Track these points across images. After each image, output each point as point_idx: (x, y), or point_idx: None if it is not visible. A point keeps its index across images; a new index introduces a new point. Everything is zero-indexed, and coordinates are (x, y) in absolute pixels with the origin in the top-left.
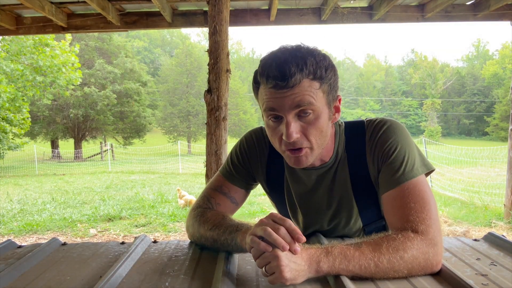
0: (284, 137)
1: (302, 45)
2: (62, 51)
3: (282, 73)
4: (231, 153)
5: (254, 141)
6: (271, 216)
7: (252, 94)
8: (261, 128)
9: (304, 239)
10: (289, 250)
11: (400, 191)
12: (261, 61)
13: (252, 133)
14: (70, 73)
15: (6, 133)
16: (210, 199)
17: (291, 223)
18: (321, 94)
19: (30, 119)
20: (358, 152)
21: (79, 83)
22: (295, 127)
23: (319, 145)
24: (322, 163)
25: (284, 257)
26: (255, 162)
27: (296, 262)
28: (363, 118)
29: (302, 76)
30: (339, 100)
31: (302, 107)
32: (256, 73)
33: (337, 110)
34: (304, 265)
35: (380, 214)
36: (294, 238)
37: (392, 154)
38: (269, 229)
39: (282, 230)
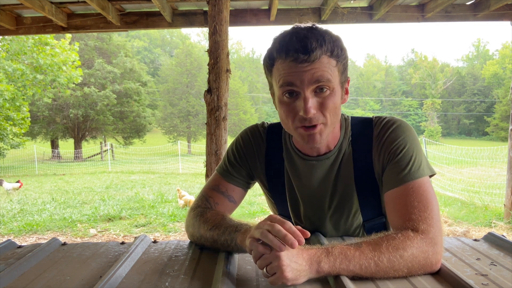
0: (301, 113)
1: (316, 25)
2: (62, 50)
3: (304, 47)
4: (227, 151)
5: (250, 138)
6: (269, 218)
7: (252, 94)
8: (256, 125)
9: (303, 241)
10: (286, 244)
11: (405, 189)
12: (275, 38)
13: (248, 130)
14: (70, 71)
15: (7, 132)
16: (209, 198)
17: (291, 225)
18: (337, 72)
19: (29, 119)
20: (364, 148)
21: (79, 82)
22: (312, 103)
23: (332, 123)
24: (327, 151)
25: (285, 257)
26: (252, 159)
27: (297, 262)
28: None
29: (322, 52)
30: (348, 82)
31: (321, 83)
32: (270, 49)
33: (346, 91)
34: (305, 265)
35: (380, 211)
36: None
37: (400, 153)
38: (265, 231)
39: (276, 226)
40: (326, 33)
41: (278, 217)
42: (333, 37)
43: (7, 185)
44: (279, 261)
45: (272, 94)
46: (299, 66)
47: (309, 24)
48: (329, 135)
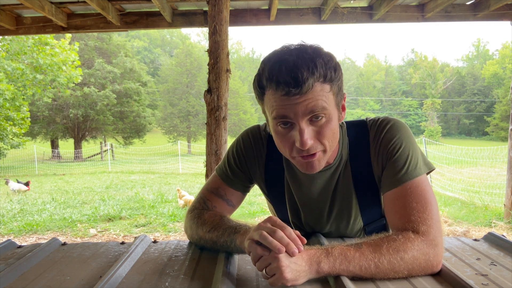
0: (297, 145)
1: (306, 44)
2: (62, 50)
3: (295, 79)
4: (227, 153)
5: (251, 141)
6: (269, 220)
7: (252, 94)
8: (258, 127)
9: (302, 248)
10: (287, 252)
11: (403, 190)
12: (264, 63)
13: (249, 132)
14: (70, 71)
15: (7, 132)
16: (207, 201)
17: (291, 231)
18: (332, 96)
19: (29, 119)
20: (362, 152)
21: (79, 81)
22: (308, 134)
23: (331, 147)
24: (326, 165)
25: (284, 258)
26: (252, 163)
27: (297, 263)
28: (363, 118)
29: (314, 80)
30: (344, 98)
31: (316, 113)
32: (259, 76)
33: (343, 109)
34: (305, 266)
35: (381, 213)
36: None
37: (396, 152)
38: (265, 233)
39: (278, 233)
40: (317, 56)
41: (279, 220)
42: (325, 58)
43: (13, 184)
44: (278, 262)
45: (266, 118)
46: (292, 99)
47: (297, 45)
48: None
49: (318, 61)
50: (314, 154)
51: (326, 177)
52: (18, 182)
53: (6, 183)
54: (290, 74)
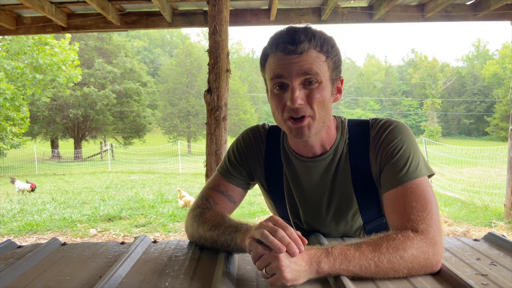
0: (288, 103)
1: (311, 25)
2: (62, 50)
3: (292, 38)
4: (228, 151)
5: (251, 139)
6: (270, 219)
7: (253, 94)
8: (257, 126)
9: (303, 248)
10: (288, 252)
11: (403, 190)
12: (270, 37)
13: (249, 130)
14: (69, 71)
15: (6, 132)
16: (208, 198)
17: (293, 231)
18: (326, 67)
19: (29, 119)
20: (361, 150)
21: (79, 81)
22: (300, 94)
23: (321, 117)
24: (323, 152)
25: (285, 257)
26: (252, 160)
27: (297, 263)
28: (363, 118)
29: (310, 45)
30: (341, 81)
31: (308, 75)
32: (264, 48)
33: (339, 91)
34: (305, 266)
35: (380, 212)
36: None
37: (397, 153)
38: (266, 232)
39: (280, 232)
40: (317, 31)
41: (281, 220)
42: (325, 35)
43: (19, 184)
44: (278, 262)
45: (266, 90)
46: (288, 58)
47: (304, 25)
48: (320, 132)
49: (317, 33)
50: (303, 119)
51: (322, 167)
52: (27, 182)
53: (12, 182)
54: (289, 35)
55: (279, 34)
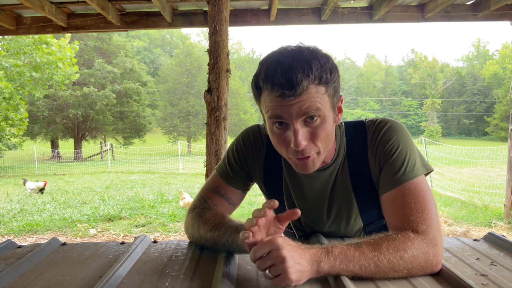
0: (292, 146)
1: (303, 46)
2: (59, 48)
3: (289, 81)
4: (227, 152)
5: (251, 140)
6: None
7: (252, 94)
8: (258, 126)
9: (276, 203)
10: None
11: (401, 191)
12: (261, 64)
13: (249, 131)
14: (65, 68)
15: (5, 133)
16: (207, 200)
17: (257, 214)
18: (327, 98)
19: (27, 119)
20: (360, 153)
21: (77, 80)
22: (303, 134)
23: (325, 149)
24: (324, 165)
25: (290, 259)
26: (252, 162)
27: (301, 263)
28: (363, 118)
29: (309, 82)
30: (341, 100)
31: (310, 114)
32: (256, 77)
33: (340, 110)
34: (307, 266)
35: (380, 214)
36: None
37: (394, 154)
38: (248, 220)
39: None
40: (313, 58)
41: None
42: (321, 61)
43: (30, 184)
44: (284, 263)
45: (263, 118)
46: (286, 100)
47: (294, 47)
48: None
49: (313, 63)
50: (308, 156)
51: (324, 177)
52: (37, 182)
53: (24, 183)
54: (285, 76)
55: (274, 72)
